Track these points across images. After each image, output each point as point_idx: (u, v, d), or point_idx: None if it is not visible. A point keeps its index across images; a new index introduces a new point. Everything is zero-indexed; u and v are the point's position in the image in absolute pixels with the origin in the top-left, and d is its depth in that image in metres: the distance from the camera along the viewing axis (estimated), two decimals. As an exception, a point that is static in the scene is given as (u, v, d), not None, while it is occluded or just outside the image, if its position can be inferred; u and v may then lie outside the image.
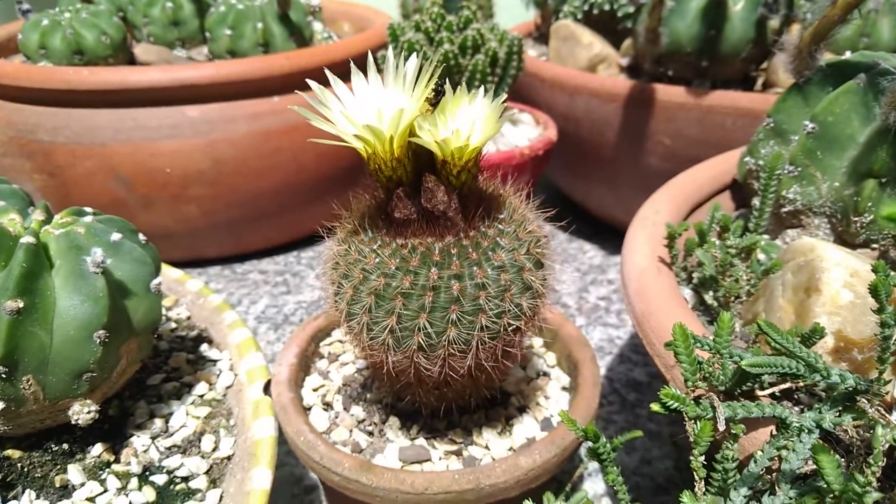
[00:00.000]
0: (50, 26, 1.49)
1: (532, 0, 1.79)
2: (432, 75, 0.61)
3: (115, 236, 0.74)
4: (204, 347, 0.94)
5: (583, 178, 1.60)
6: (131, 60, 1.60)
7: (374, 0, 2.05)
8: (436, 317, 0.62)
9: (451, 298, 0.62)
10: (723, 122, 1.28)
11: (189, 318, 1.01)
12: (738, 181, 1.08)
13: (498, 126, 0.61)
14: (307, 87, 0.65)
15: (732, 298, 0.71)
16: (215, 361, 0.91)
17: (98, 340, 0.67)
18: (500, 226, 0.67)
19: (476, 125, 0.62)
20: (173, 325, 0.99)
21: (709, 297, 0.76)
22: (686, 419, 0.47)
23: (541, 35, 1.86)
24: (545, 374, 0.88)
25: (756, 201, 0.78)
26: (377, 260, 0.64)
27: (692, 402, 0.47)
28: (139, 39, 1.71)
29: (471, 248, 0.64)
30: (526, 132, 1.44)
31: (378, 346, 0.64)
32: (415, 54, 0.65)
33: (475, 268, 0.63)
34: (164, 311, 1.01)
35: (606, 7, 1.60)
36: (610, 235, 1.65)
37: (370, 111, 0.62)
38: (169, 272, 1.09)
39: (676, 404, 0.46)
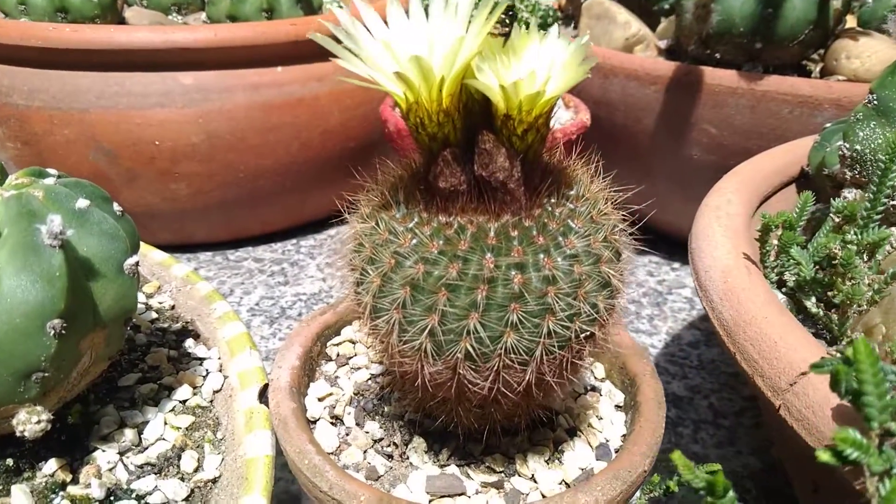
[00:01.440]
0: (31, -20, 1.34)
1: (560, -23, 1.65)
2: (496, 6, 0.47)
3: (82, 203, 0.59)
4: (189, 343, 0.79)
5: (614, 168, 1.46)
6: (122, 24, 1.45)
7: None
8: (491, 317, 0.48)
9: (512, 294, 0.48)
10: (778, 110, 1.14)
11: (173, 307, 0.86)
12: (807, 173, 0.95)
13: (582, 71, 0.47)
14: (313, 58, 0.51)
15: (852, 306, 0.58)
16: (202, 360, 0.77)
17: (52, 332, 0.52)
18: (570, 204, 0.53)
19: (553, 70, 0.48)
20: (154, 315, 0.84)
21: (811, 304, 0.62)
22: (867, 473, 0.33)
23: (566, 16, 1.72)
24: (594, 388, 0.74)
25: (870, 189, 0.65)
26: (414, 241, 0.50)
27: (876, 451, 0.33)
28: (131, 3, 1.56)
29: (536, 230, 0.50)
30: (557, 115, 1.30)
31: (412, 353, 0.50)
32: (470, -19, 0.51)
33: (542, 256, 0.49)
34: (144, 299, 0.87)
35: (643, -15, 1.46)
36: (638, 231, 1.51)
37: (417, 44, 0.47)
38: (152, 254, 0.94)
39: (857, 453, 0.32)
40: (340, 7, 1.51)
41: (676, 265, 1.38)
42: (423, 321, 0.49)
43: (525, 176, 0.51)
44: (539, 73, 0.46)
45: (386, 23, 0.52)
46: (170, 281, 0.90)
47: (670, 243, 1.38)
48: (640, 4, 1.48)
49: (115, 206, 0.66)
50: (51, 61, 1.18)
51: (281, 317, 1.16)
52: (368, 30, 0.51)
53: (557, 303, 0.48)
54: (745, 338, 0.57)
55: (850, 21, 1.32)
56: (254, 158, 1.26)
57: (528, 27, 0.50)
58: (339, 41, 0.49)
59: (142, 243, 0.97)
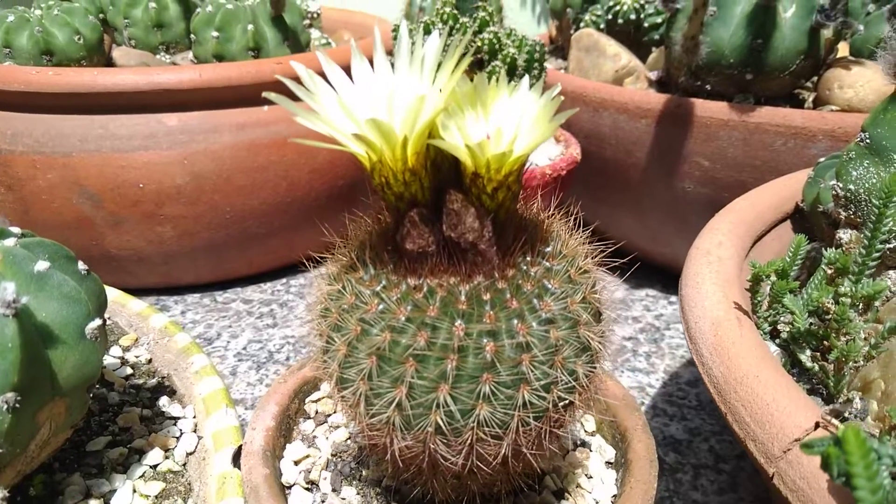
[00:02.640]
0: (16, 23, 1.33)
1: (549, 9, 1.64)
2: (463, 57, 0.45)
3: (41, 265, 0.57)
4: (163, 401, 0.77)
5: (605, 203, 1.44)
6: (109, 65, 1.44)
7: (377, 8, 1.91)
8: (462, 389, 0.45)
9: (484, 364, 0.45)
10: (772, 142, 1.12)
11: (150, 361, 0.84)
12: (802, 209, 0.92)
13: (552, 128, 0.44)
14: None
15: (848, 363, 0.55)
16: (176, 419, 0.74)
17: (5, 406, 0.50)
18: (546, 263, 0.50)
19: (522, 126, 0.45)
20: (129, 370, 0.81)
21: (805, 358, 0.59)
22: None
23: (556, 48, 1.71)
24: (584, 443, 0.71)
25: (865, 234, 0.62)
26: (381, 307, 0.48)
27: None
28: (119, 43, 1.55)
29: (509, 292, 0.47)
30: (545, 150, 1.28)
31: (380, 426, 0.47)
32: (437, 32, 0.49)
33: (516, 321, 0.46)
34: (120, 353, 0.84)
35: (632, 17, 1.45)
36: (634, 266, 1.48)
37: (377, 103, 0.45)
38: (131, 304, 0.92)
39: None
40: (329, 44, 1.50)
41: (673, 299, 1.35)
42: (391, 393, 0.46)
43: (497, 234, 0.48)
44: (506, 131, 0.44)
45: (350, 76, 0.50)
46: (148, 333, 0.88)
47: (666, 276, 1.35)
48: (630, 36, 1.47)
49: (80, 266, 0.64)
50: (34, 105, 1.16)
51: (268, 361, 1.13)
52: (331, 85, 0.49)
53: (532, 371, 0.46)
54: (735, 398, 0.54)
55: (842, 49, 1.31)
56: (241, 199, 1.24)
57: (497, 78, 0.47)
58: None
59: (120, 293, 0.95)
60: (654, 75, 1.36)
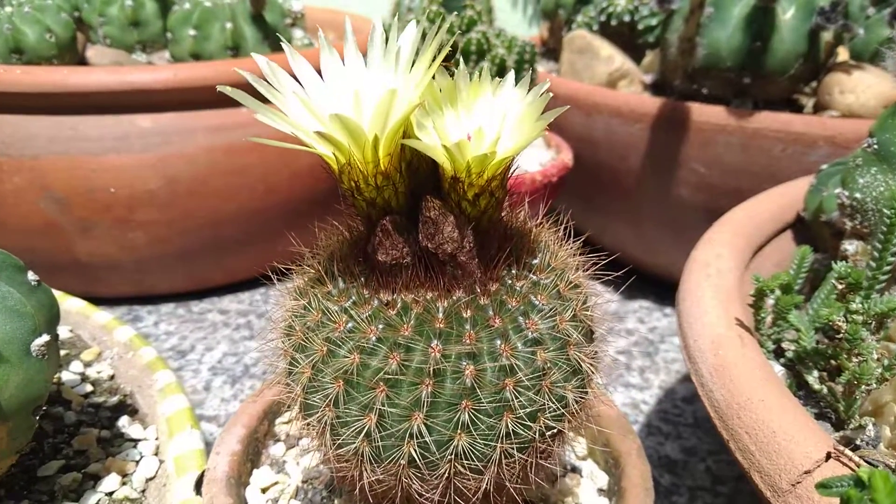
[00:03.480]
0: (-15, 21, 1.28)
1: (540, 10, 1.60)
2: (440, 50, 0.41)
3: (-20, 277, 0.52)
4: (123, 422, 0.71)
5: (598, 210, 1.39)
6: (82, 64, 1.39)
7: (365, 9, 1.86)
8: (438, 418, 0.40)
9: (463, 389, 0.40)
10: (770, 148, 1.08)
11: (112, 377, 0.78)
12: (803, 219, 0.88)
13: (539, 128, 0.40)
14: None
15: (860, 386, 0.50)
16: (136, 442, 0.69)
17: (-70, 434, 0.45)
18: (533, 276, 0.45)
19: (506, 124, 0.41)
20: (89, 387, 0.76)
21: (813, 379, 0.55)
22: None
23: (548, 50, 1.67)
24: (574, 469, 0.66)
25: (875, 246, 0.57)
26: (350, 325, 0.43)
27: None
28: (95, 42, 1.50)
29: (492, 309, 0.43)
30: (536, 155, 1.24)
31: (348, 458, 0.42)
32: (414, 23, 0.44)
33: (499, 341, 0.41)
34: (81, 368, 0.79)
35: (626, 18, 1.41)
36: (627, 277, 1.44)
37: (344, 98, 0.41)
38: (95, 316, 0.87)
39: None
40: (311, 45, 1.45)
41: (668, 310, 1.30)
42: (359, 422, 0.41)
43: (479, 245, 0.44)
44: (488, 130, 0.39)
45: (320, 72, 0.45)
46: (112, 346, 0.82)
47: (661, 287, 1.31)
48: (624, 38, 1.43)
49: (30, 276, 0.59)
50: (1, 105, 1.11)
51: (244, 376, 1.08)
52: (297, 80, 0.45)
53: (517, 398, 0.41)
54: (739, 424, 0.50)
55: (842, 54, 1.27)
56: (216, 203, 1.18)
57: (479, 74, 0.43)
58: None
59: (85, 304, 0.90)
60: (648, 78, 1.32)
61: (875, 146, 0.68)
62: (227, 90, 0.41)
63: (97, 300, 0.97)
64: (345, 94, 0.41)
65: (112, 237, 1.17)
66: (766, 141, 1.07)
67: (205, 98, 1.15)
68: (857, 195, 0.69)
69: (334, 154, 0.41)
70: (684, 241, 1.14)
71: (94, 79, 1.10)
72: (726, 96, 1.17)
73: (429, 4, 1.14)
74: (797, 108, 1.20)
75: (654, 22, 1.41)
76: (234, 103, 1.17)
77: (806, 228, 0.87)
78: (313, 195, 1.28)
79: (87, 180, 1.12)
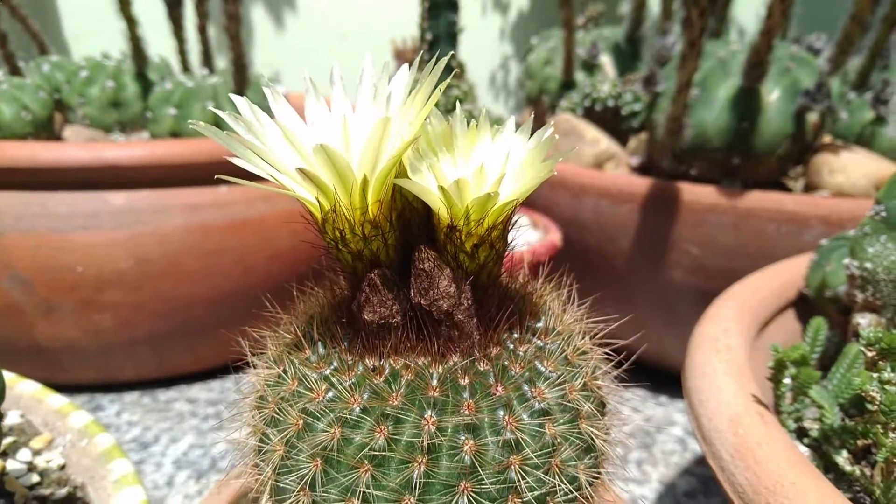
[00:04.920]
0: (-39, 98, 1.25)
1: (524, 96, 1.60)
2: (436, 88, 0.37)
3: None
4: (72, 517, 0.63)
5: (587, 294, 1.35)
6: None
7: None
8: (432, 502, 0.34)
9: (461, 469, 0.35)
10: (764, 228, 1.05)
11: (63, 467, 0.71)
12: (806, 296, 0.84)
13: (545, 170, 0.36)
14: (262, 177, 0.39)
15: (903, 467, 0.45)
16: (84, 540, 0.61)
17: None
18: (538, 341, 0.40)
19: (508, 167, 0.37)
20: (36, 478, 0.68)
21: (843, 461, 0.49)
22: None
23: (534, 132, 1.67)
24: (578, 568, 0.59)
25: (893, 320, 0.53)
26: (330, 394, 0.37)
27: None
28: (73, 122, 1.47)
29: (493, 376, 0.37)
30: (524, 235, 1.20)
31: (325, 552, 0.36)
32: (406, 66, 0.41)
33: (502, 412, 0.36)
34: (29, 457, 0.71)
35: (610, 103, 1.41)
36: (619, 364, 1.38)
37: (330, 133, 0.36)
38: (49, 400, 0.80)
39: None
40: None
41: (663, 399, 1.24)
42: (340, 508, 0.35)
43: (478, 304, 0.39)
44: (490, 169, 0.35)
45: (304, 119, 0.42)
46: (65, 433, 0.75)
47: (654, 374, 1.25)
48: (608, 123, 1.43)
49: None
50: (-32, 181, 1.07)
51: (210, 470, 1.00)
52: (280, 124, 0.41)
53: (524, 478, 0.35)
54: (770, 512, 0.44)
55: (825, 139, 1.27)
56: (189, 286, 1.13)
57: (477, 122, 0.39)
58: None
59: (40, 387, 0.83)
60: (635, 161, 1.31)
61: (883, 213, 0.65)
62: (201, 126, 0.36)
63: (57, 388, 0.89)
64: (331, 133, 0.37)
65: (77, 319, 1.10)
66: (759, 221, 1.05)
67: (182, 176, 1.11)
68: (868, 265, 0.65)
69: (317, 199, 0.37)
70: (677, 326, 1.10)
71: (66, 154, 1.07)
72: (715, 177, 1.15)
73: (414, 84, 1.12)
74: (786, 190, 1.19)
75: (637, 107, 1.41)
76: (212, 183, 1.13)
77: (809, 306, 0.83)
78: (291, 277, 1.22)
79: (53, 259, 1.06)
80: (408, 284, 0.38)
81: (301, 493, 0.36)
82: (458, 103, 0.45)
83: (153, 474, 0.98)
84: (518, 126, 0.40)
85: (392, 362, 0.38)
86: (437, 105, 0.98)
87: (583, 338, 0.43)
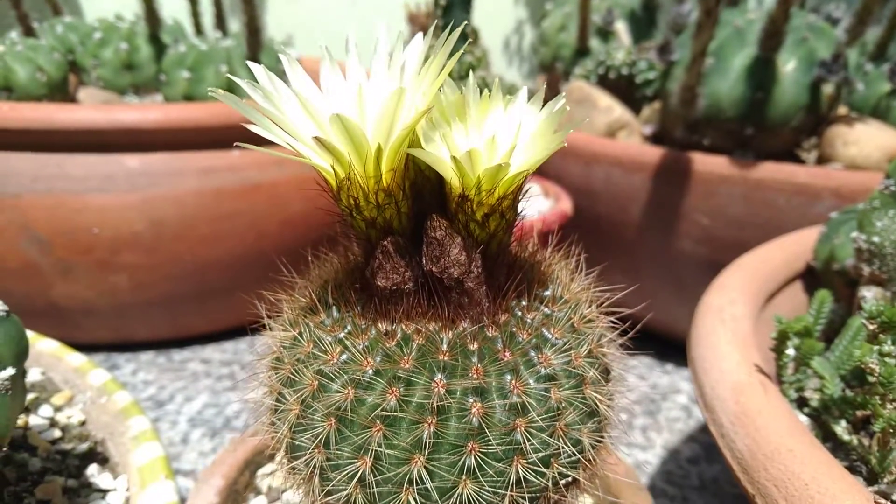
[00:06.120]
0: (-24, 59, 1.25)
1: (538, 63, 1.59)
2: (448, 60, 0.38)
3: (-62, 303, 0.47)
4: (92, 470, 0.66)
5: (597, 263, 1.36)
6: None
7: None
8: (441, 461, 0.36)
9: (469, 430, 0.36)
10: (774, 199, 1.05)
11: (83, 423, 0.73)
12: (813, 269, 0.85)
13: (557, 141, 0.37)
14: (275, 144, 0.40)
15: (899, 437, 0.46)
16: (105, 492, 0.63)
17: None
18: (545, 308, 0.42)
19: (520, 137, 0.37)
20: (58, 433, 0.71)
21: (841, 430, 0.51)
22: None
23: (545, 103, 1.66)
24: (581, 528, 0.61)
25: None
26: (344, 357, 0.39)
27: None
28: (87, 84, 1.48)
29: (502, 342, 0.39)
30: (535, 204, 1.21)
31: (338, 507, 0.38)
32: (420, 35, 0.41)
33: (509, 377, 0.37)
34: (51, 412, 0.74)
35: (624, 71, 1.40)
36: (626, 332, 1.39)
37: (345, 102, 0.37)
38: (68, 358, 0.82)
39: None
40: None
41: (669, 367, 1.26)
42: (352, 465, 0.37)
43: (488, 272, 0.40)
44: (502, 140, 0.36)
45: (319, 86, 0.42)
46: (85, 391, 0.77)
47: (661, 343, 1.27)
48: (622, 91, 1.42)
49: (-2, 306, 0.54)
50: (-15, 141, 1.08)
51: (224, 428, 1.02)
52: (296, 92, 0.41)
53: (529, 440, 0.37)
54: (766, 476, 0.45)
55: (841, 111, 1.26)
56: (203, 249, 1.14)
57: (490, 91, 0.40)
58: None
59: (59, 345, 0.85)
60: (648, 130, 1.31)
61: (892, 187, 0.65)
62: (220, 93, 0.37)
63: (74, 347, 0.92)
64: (346, 102, 0.38)
65: (92, 280, 1.12)
66: (770, 192, 1.05)
67: (196, 139, 1.12)
68: (875, 238, 0.65)
69: (332, 167, 0.37)
70: (685, 296, 1.11)
71: (81, 116, 1.08)
72: (728, 148, 1.15)
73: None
74: (799, 162, 1.19)
75: (651, 75, 1.40)
76: (226, 146, 1.14)
77: (816, 279, 0.84)
78: (304, 242, 1.24)
79: (70, 220, 1.08)
80: (420, 252, 0.39)
81: (315, 450, 0.38)
82: (471, 71, 0.45)
83: (168, 431, 1.00)
84: (531, 95, 0.41)
85: (404, 327, 0.39)
86: (450, 73, 0.98)
87: (589, 306, 0.44)
